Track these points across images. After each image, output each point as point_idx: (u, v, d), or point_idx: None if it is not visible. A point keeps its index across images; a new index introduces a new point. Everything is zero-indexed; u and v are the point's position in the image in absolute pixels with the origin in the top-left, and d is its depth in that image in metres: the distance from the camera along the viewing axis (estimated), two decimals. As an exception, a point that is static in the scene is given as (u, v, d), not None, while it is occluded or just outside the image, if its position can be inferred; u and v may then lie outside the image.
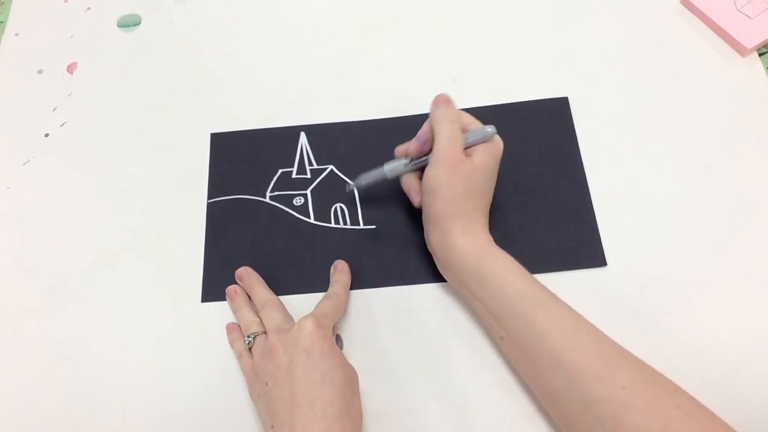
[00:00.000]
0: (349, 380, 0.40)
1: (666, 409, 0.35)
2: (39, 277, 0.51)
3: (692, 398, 0.36)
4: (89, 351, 0.48)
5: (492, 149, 0.44)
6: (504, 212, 0.50)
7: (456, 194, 0.43)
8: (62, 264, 0.51)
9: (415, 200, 0.46)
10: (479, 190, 0.44)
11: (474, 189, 0.43)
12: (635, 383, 0.36)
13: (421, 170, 0.45)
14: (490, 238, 0.44)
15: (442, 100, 0.45)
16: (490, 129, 0.43)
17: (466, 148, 0.44)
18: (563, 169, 0.52)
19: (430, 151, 0.44)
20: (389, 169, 0.47)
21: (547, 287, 0.42)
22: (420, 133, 0.45)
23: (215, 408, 0.45)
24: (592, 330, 0.39)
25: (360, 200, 0.52)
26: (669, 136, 0.52)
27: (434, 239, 0.45)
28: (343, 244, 0.50)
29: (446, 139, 0.43)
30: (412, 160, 0.46)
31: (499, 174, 0.50)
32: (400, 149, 0.48)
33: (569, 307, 0.40)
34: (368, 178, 0.48)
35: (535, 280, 0.42)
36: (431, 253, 0.46)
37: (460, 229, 0.43)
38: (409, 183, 0.47)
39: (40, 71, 0.61)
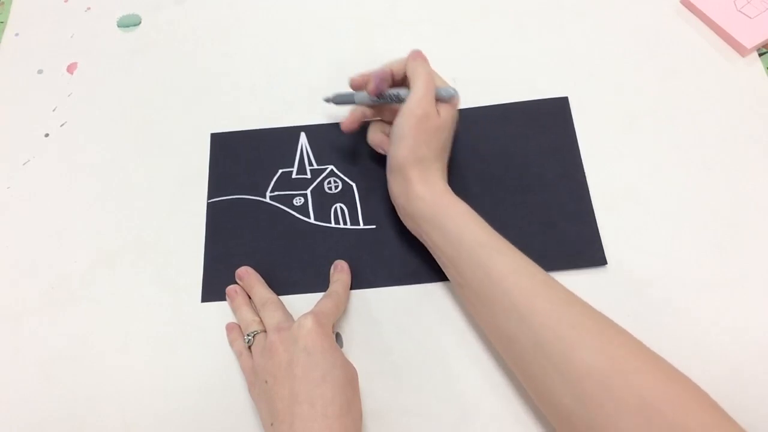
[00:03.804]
0: (350, 379, 0.40)
1: (613, 346, 0.37)
2: (39, 277, 0.51)
3: (638, 339, 0.38)
4: (89, 351, 0.48)
5: (452, 109, 0.47)
6: (504, 212, 0.50)
7: (421, 144, 0.45)
8: (62, 264, 0.51)
9: (345, 126, 0.50)
10: (441, 144, 0.46)
11: (437, 142, 0.45)
12: (583, 323, 0.38)
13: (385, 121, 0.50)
14: (449, 189, 0.45)
15: (421, 56, 0.47)
16: (453, 90, 0.46)
17: None
18: (563, 169, 0.52)
19: (381, 95, 0.48)
20: (358, 97, 0.50)
21: (501, 236, 0.43)
22: (379, 71, 0.47)
23: (215, 408, 0.45)
24: (545, 277, 0.41)
25: (360, 199, 0.52)
26: (669, 136, 0.52)
27: (396, 187, 0.46)
28: (343, 244, 0.50)
29: (422, 91, 0.45)
30: (379, 97, 0.48)
31: (499, 174, 0.51)
32: (355, 80, 0.50)
33: (523, 255, 0.42)
34: (340, 98, 0.52)
35: (492, 229, 0.43)
36: (393, 202, 0.47)
37: (420, 177, 0.45)
38: (357, 113, 0.50)
39: (40, 71, 0.61)
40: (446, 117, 0.46)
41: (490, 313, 0.42)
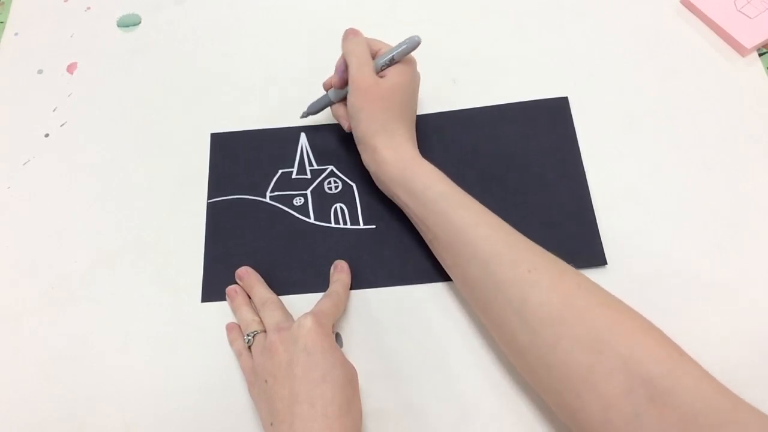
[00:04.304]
0: (350, 379, 0.40)
1: (568, 287, 0.39)
2: (39, 277, 0.51)
3: (593, 281, 0.40)
4: (89, 351, 0.48)
5: (405, 69, 0.48)
6: (504, 212, 0.50)
7: (375, 114, 0.47)
8: (62, 264, 0.51)
9: (345, 125, 0.51)
10: (398, 108, 0.47)
11: (392, 107, 0.47)
12: (539, 266, 0.40)
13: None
14: (416, 151, 0.47)
15: (350, 33, 0.49)
16: (397, 51, 0.47)
17: (382, 70, 0.48)
18: (563, 169, 0.52)
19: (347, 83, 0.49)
20: (332, 95, 0.52)
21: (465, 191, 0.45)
22: (337, 65, 0.50)
23: (215, 408, 0.45)
24: (504, 226, 0.43)
25: (360, 199, 0.52)
26: (669, 136, 0.53)
27: (366, 157, 0.48)
28: (343, 244, 0.50)
29: (356, 67, 0.47)
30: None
31: (499, 174, 0.51)
32: (326, 83, 0.53)
33: (485, 208, 0.44)
34: (317, 104, 0.53)
35: (455, 185, 0.45)
36: (368, 169, 0.49)
37: (386, 144, 0.47)
38: (338, 111, 0.52)
39: (40, 71, 0.61)
40: (396, 79, 0.47)
41: (456, 262, 0.44)
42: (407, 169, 0.46)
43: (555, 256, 0.41)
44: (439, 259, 0.47)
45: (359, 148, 0.49)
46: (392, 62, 0.48)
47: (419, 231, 0.48)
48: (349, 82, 0.47)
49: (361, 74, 0.47)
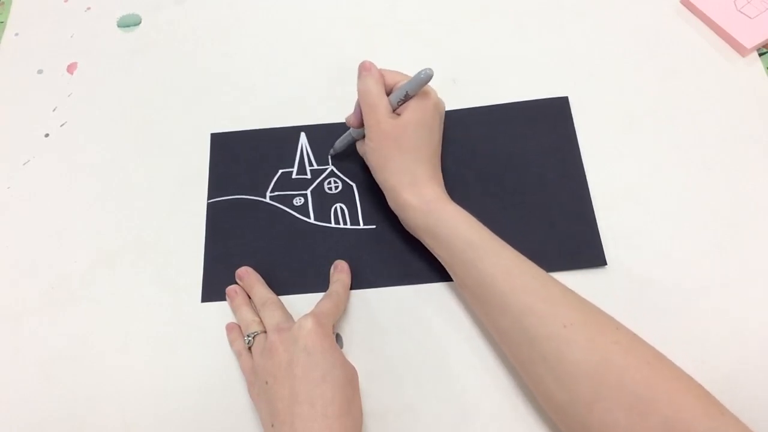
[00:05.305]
0: (350, 379, 0.40)
1: (605, 344, 0.37)
2: (39, 277, 0.51)
3: (632, 334, 0.38)
4: (89, 351, 0.48)
5: (421, 103, 0.45)
6: (504, 212, 0.50)
7: (391, 156, 0.44)
8: (62, 264, 0.51)
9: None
10: (415, 145, 0.45)
11: (409, 146, 0.44)
12: (576, 322, 0.38)
13: None
14: (440, 191, 0.45)
15: (362, 69, 0.46)
16: (409, 85, 0.44)
17: (398, 106, 0.45)
18: (563, 169, 0.52)
19: None
20: (354, 132, 0.50)
21: (495, 235, 0.43)
22: (355, 105, 0.47)
23: (215, 408, 0.45)
24: (538, 274, 0.41)
25: (360, 199, 0.52)
26: (669, 136, 0.53)
27: (389, 201, 0.47)
28: (343, 244, 0.50)
29: (366, 110, 0.45)
30: None
31: (499, 174, 0.51)
32: (348, 118, 0.49)
33: (516, 253, 0.42)
34: (342, 142, 0.52)
35: (484, 228, 0.43)
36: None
37: (406, 186, 0.44)
38: (363, 149, 0.49)
39: (40, 71, 0.61)
40: (410, 116, 0.44)
41: (485, 311, 0.42)
42: (431, 213, 0.43)
43: (591, 305, 0.40)
44: (470, 305, 0.45)
45: (383, 192, 0.47)
46: (407, 97, 0.44)
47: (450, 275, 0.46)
48: (364, 124, 0.46)
49: (373, 116, 0.44)
